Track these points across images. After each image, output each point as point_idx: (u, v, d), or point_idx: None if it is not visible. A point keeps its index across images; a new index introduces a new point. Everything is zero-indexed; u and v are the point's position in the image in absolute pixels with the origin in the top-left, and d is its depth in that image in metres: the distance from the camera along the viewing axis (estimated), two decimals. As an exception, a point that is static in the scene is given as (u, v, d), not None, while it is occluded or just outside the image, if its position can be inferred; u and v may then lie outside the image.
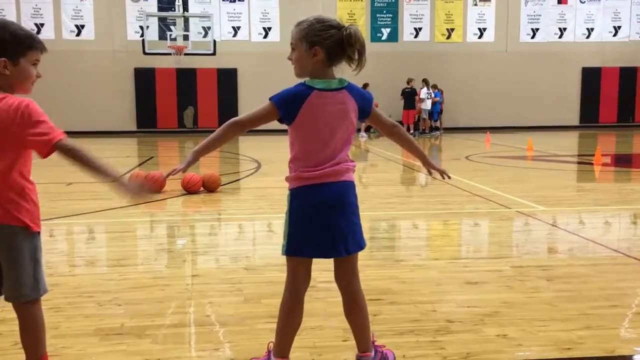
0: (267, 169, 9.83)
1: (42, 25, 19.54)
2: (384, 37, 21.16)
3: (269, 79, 20.29)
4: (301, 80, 2.20)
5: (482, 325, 2.90)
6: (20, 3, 19.51)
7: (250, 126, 2.24)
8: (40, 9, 19.60)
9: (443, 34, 21.69)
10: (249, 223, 5.76)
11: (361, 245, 2.29)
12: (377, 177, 9.67)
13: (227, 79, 20.64)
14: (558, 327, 2.87)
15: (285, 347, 2.28)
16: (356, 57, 2.17)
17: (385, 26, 21.26)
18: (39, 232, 2.13)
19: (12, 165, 2.04)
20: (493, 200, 6.63)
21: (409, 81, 19.20)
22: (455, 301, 3.30)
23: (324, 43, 2.14)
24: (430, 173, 2.52)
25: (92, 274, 4.01)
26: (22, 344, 2.15)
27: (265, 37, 20.82)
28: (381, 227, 5.35)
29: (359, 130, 17.92)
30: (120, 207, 6.31)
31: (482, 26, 21.78)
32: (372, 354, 2.37)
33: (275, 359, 2.27)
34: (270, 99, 2.19)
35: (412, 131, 18.50)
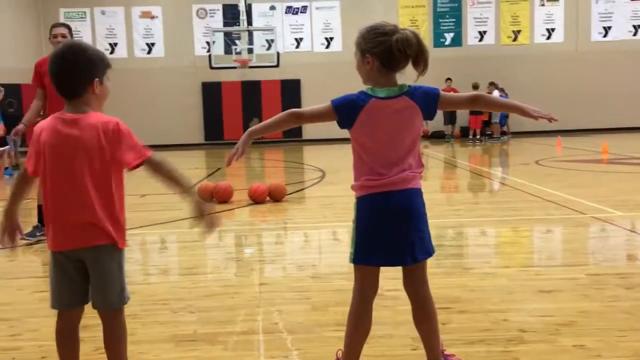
0: (331, 178, 9.87)
1: (115, 44, 20.50)
2: (447, 42, 20.87)
3: (332, 88, 20.37)
4: (363, 89, 2.21)
5: (557, 335, 2.79)
6: (95, 24, 20.55)
7: (307, 121, 2.28)
8: (113, 29, 20.57)
9: (509, 37, 21.17)
10: (315, 232, 5.80)
11: (429, 253, 2.26)
12: (443, 183, 9.52)
13: (291, 90, 20.93)
14: (639, 337, 2.73)
15: (354, 355, 2.28)
16: (413, 61, 2.14)
17: (449, 31, 20.97)
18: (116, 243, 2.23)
19: (112, 181, 2.14)
20: (566, 206, 6.39)
21: (475, 86, 18.82)
22: (528, 310, 3.20)
23: (373, 51, 2.15)
24: (536, 119, 2.27)
25: (166, 282, 4.15)
26: (106, 349, 2.25)
27: (327, 47, 21.00)
28: (448, 234, 5.26)
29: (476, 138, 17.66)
30: (190, 218, 6.50)
31: (550, 26, 21.10)
32: None
33: (344, 367, 2.27)
34: (331, 101, 2.21)
35: (479, 137, 18.11)
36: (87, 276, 2.18)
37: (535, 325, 2.95)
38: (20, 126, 5.62)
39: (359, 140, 2.20)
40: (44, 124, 2.16)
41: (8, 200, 2.24)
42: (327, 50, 20.97)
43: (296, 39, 20.98)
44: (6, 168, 11.80)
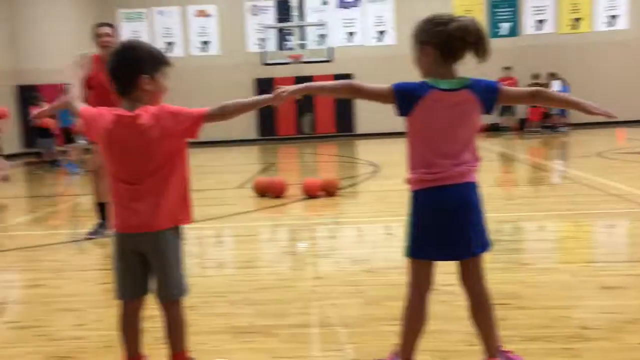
0: (385, 172, 9.81)
1: (172, 43, 21.01)
2: (503, 32, 20.34)
3: (386, 81, 20.26)
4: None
5: (622, 333, 2.69)
6: (153, 24, 21.12)
7: (364, 96, 2.25)
8: (170, 28, 21.08)
9: (568, 25, 20.42)
10: (368, 226, 5.78)
11: (486, 247, 2.22)
12: (500, 177, 9.30)
13: (343, 84, 20.88)
14: None
15: (410, 350, 2.27)
16: (473, 50, 2.10)
17: (505, 20, 20.43)
18: (181, 232, 2.30)
19: (173, 169, 2.22)
20: (631, 200, 6.13)
21: (536, 76, 18.27)
22: (591, 307, 3.09)
23: (432, 41, 2.11)
24: (594, 115, 2.20)
25: (223, 275, 4.24)
26: (167, 339, 2.32)
27: (380, 41, 20.85)
28: (505, 229, 5.14)
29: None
30: (245, 212, 6.61)
31: (613, 13, 20.22)
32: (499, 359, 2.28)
33: (400, 361, 2.26)
34: (392, 84, 2.18)
35: (538, 128, 17.60)
36: (148, 268, 2.26)
37: (598, 322, 2.84)
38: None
39: (415, 131, 2.17)
40: (104, 112, 2.23)
41: None
42: (379, 44, 20.82)
43: (349, 33, 20.93)
44: (71, 163, 12.29)
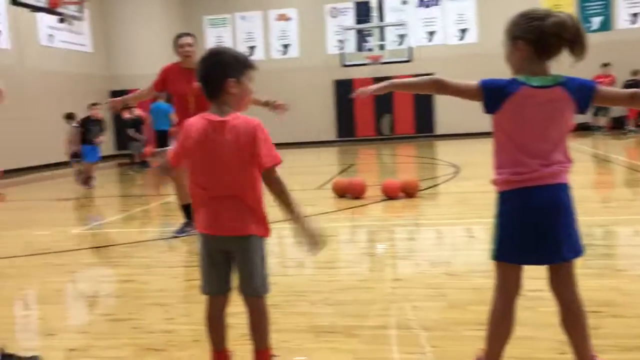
0: (466, 173, 9.58)
1: (254, 47, 21.53)
2: (594, 27, 19.35)
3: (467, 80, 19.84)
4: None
5: None
6: (235, 30, 21.74)
7: (450, 92, 2.21)
8: (252, 33, 21.62)
9: (667, 17, 19.11)
10: (449, 228, 5.67)
11: (578, 252, 2.12)
12: (592, 178, 8.84)
13: (423, 84, 20.60)
14: None
15: (496, 356, 2.20)
16: (569, 47, 2.01)
17: (596, 14, 19.42)
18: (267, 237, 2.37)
19: (257, 178, 2.28)
20: None
21: (636, 72, 17.24)
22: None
23: (526, 37, 2.03)
24: None
25: (303, 274, 4.29)
26: (251, 335, 2.38)
27: (461, 39, 20.40)
28: (598, 233, 4.89)
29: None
30: (325, 213, 6.66)
31: None
32: None
33: (485, 367, 2.21)
34: (480, 80, 2.13)
35: (633, 127, 16.62)
36: (232, 265, 2.33)
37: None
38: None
39: (503, 129, 2.10)
40: (193, 122, 2.32)
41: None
42: (461, 42, 20.37)
43: (429, 32, 20.62)
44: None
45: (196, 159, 2.29)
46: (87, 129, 11.10)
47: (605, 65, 16.90)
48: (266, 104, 5.71)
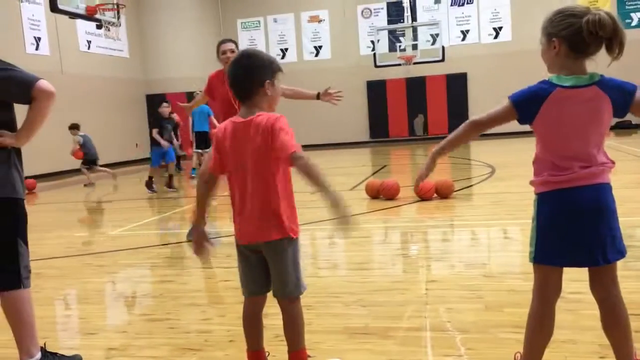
0: (501, 174, 9.45)
1: (286, 49, 21.65)
2: (635, 23, 18.84)
3: (500, 80, 19.54)
4: (545, 78, 2.07)
5: None
6: (268, 32, 21.90)
7: (489, 126, 2.17)
8: (284, 35, 21.75)
9: None
10: (484, 229, 5.60)
11: (621, 253, 2.07)
12: (633, 178, 8.60)
13: (457, 84, 20.41)
14: None
15: (535, 359, 2.16)
16: (606, 45, 1.96)
17: (636, 10, 18.91)
18: (298, 237, 2.37)
19: (278, 178, 2.28)
20: None
21: None
22: None
23: (561, 34, 1.99)
24: None
25: (337, 276, 4.29)
26: (285, 336, 2.39)
27: (495, 37, 20.12)
28: (638, 234, 4.76)
29: None
30: (359, 214, 6.65)
31: None
32: None
33: (524, 370, 2.17)
34: (508, 97, 2.09)
35: None
36: (268, 266, 2.35)
37: None
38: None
39: (542, 133, 2.06)
40: (223, 126, 2.35)
41: (195, 211, 2.42)
42: (495, 40, 20.09)
43: (462, 32, 20.40)
44: (193, 169, 13.01)
45: (229, 162, 2.31)
46: (162, 126, 11.01)
47: None
48: (317, 97, 5.75)
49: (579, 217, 2.00)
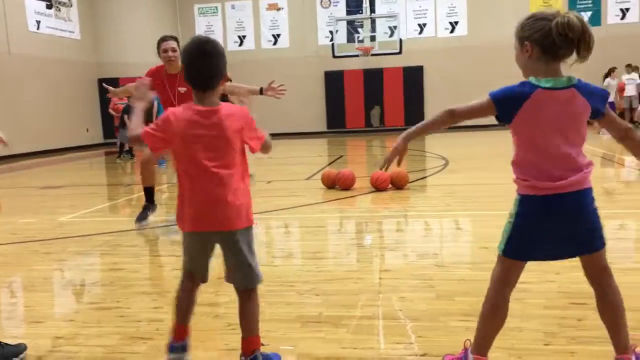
0: (454, 166, 9.63)
1: (244, 37, 21.41)
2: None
3: (456, 74, 19.88)
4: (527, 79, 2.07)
5: None
6: (226, 19, 21.59)
7: (466, 118, 2.17)
8: (242, 22, 21.49)
9: (656, 13, 19.26)
10: (437, 220, 5.70)
11: (602, 243, 2.13)
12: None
13: (413, 77, 20.65)
14: None
15: (485, 346, 2.21)
16: (575, 47, 1.99)
17: (586, 9, 19.51)
18: (252, 226, 2.35)
19: (243, 166, 2.31)
20: None
21: (633, 67, 17.48)
22: (677, 311, 2.92)
23: (533, 37, 2.02)
24: None
25: (291, 265, 4.29)
26: (241, 324, 2.38)
27: (452, 32, 20.42)
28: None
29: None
30: (314, 204, 6.66)
31: None
32: (633, 357, 2.17)
33: (473, 357, 2.22)
34: (489, 94, 2.09)
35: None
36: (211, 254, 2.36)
37: (685, 327, 2.68)
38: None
39: (524, 134, 2.06)
40: (177, 112, 2.28)
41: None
42: (451, 35, 20.39)
43: (419, 25, 20.61)
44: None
45: (183, 149, 2.26)
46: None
47: (630, 66, 17.18)
48: (260, 92, 5.68)
49: (559, 220, 2.04)
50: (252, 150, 2.33)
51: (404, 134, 2.26)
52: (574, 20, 1.96)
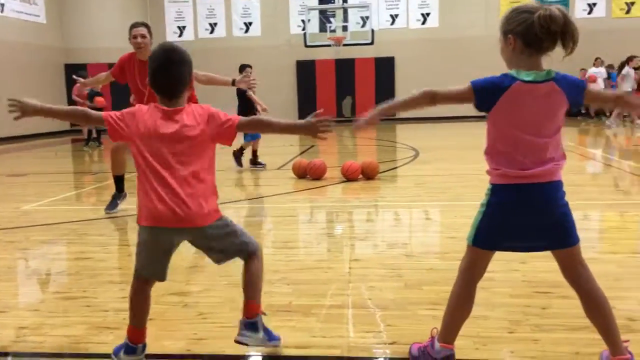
0: (424, 157, 9.72)
1: (215, 24, 21.15)
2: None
3: (427, 65, 20.01)
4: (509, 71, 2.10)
5: (669, 327, 2.61)
6: (196, 5, 21.28)
7: (442, 101, 2.17)
8: (214, 9, 21.22)
9: (622, 9, 19.69)
10: (407, 210, 5.75)
11: (575, 239, 2.14)
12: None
13: (385, 67, 20.72)
14: None
15: (452, 335, 2.25)
16: (559, 41, 2.02)
17: (554, 3, 19.82)
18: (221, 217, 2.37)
19: (210, 165, 2.31)
20: (682, 191, 5.91)
21: (600, 61, 17.88)
22: (637, 298, 3.01)
23: (516, 30, 2.04)
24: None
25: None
26: (245, 289, 2.43)
27: (423, 23, 20.53)
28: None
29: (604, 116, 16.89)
30: (285, 193, 6.65)
31: (669, -4, 19.37)
32: (630, 356, 2.14)
33: (440, 345, 2.25)
34: (470, 82, 2.10)
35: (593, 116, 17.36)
36: (171, 253, 2.35)
37: (644, 315, 2.77)
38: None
39: (500, 125, 2.09)
40: (144, 110, 2.28)
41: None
42: (422, 26, 20.50)
43: (391, 16, 20.66)
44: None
45: (144, 149, 2.25)
46: None
47: (599, 59, 17.63)
48: (232, 83, 5.68)
49: (529, 211, 2.06)
50: (227, 142, 2.32)
51: (378, 107, 2.25)
52: (556, 13, 1.99)
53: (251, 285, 2.41)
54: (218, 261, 2.44)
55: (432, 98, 2.17)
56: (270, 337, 2.44)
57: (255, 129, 2.54)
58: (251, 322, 2.36)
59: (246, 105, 9.01)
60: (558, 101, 2.05)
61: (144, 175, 2.26)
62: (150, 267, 2.36)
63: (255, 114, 10.43)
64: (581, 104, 2.13)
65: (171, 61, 2.26)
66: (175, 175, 2.22)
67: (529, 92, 2.03)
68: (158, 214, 2.23)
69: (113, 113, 2.28)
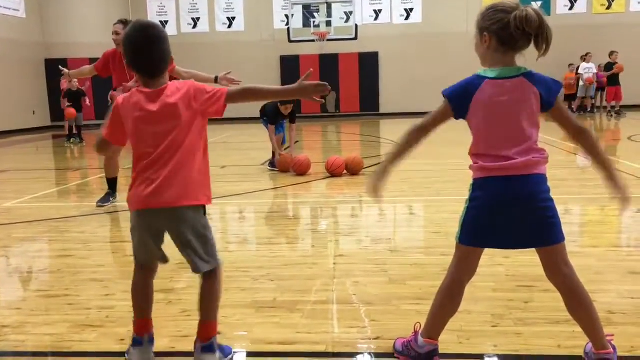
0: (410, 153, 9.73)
1: (198, 19, 20.99)
2: (534, 12, 19.92)
3: (410, 61, 20.06)
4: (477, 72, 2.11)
5: (649, 320, 2.65)
6: (179, 0, 21.09)
7: (433, 127, 2.18)
8: (196, 4, 21.06)
9: (602, 4, 19.90)
10: (391, 206, 5.77)
11: (560, 236, 2.14)
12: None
13: (369, 63, 20.73)
14: None
15: (436, 330, 2.26)
16: (533, 41, 2.03)
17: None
18: (205, 207, 2.32)
19: (199, 145, 2.27)
20: (661, 185, 6.00)
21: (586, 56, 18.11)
22: (617, 291, 3.05)
23: (491, 29, 2.05)
24: (613, 195, 2.25)
25: (246, 250, 4.28)
26: (200, 307, 2.33)
27: (407, 18, 20.57)
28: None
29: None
30: (270, 189, 6.64)
31: (649, -8, 19.62)
32: (612, 350, 2.16)
33: (424, 340, 2.26)
34: (442, 92, 2.12)
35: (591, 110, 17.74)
36: (163, 238, 2.30)
37: (624, 307, 2.81)
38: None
39: (475, 125, 2.11)
40: (124, 99, 2.25)
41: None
42: (406, 22, 20.55)
43: (375, 11, 20.67)
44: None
45: (133, 133, 2.23)
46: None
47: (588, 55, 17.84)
48: (215, 80, 5.76)
49: (511, 205, 2.06)
50: (217, 112, 2.26)
51: (385, 161, 2.26)
52: (532, 15, 2.00)
53: (209, 304, 2.32)
54: (191, 260, 2.32)
55: (422, 130, 2.18)
56: (224, 353, 2.39)
57: (246, 98, 2.40)
58: (206, 346, 2.28)
59: None
60: (528, 95, 2.05)
61: (135, 159, 2.25)
62: (141, 252, 2.34)
63: None
64: (552, 106, 2.10)
65: (150, 38, 2.21)
66: (163, 156, 2.19)
67: (498, 88, 2.05)
68: (143, 196, 2.20)
69: (110, 130, 2.29)
